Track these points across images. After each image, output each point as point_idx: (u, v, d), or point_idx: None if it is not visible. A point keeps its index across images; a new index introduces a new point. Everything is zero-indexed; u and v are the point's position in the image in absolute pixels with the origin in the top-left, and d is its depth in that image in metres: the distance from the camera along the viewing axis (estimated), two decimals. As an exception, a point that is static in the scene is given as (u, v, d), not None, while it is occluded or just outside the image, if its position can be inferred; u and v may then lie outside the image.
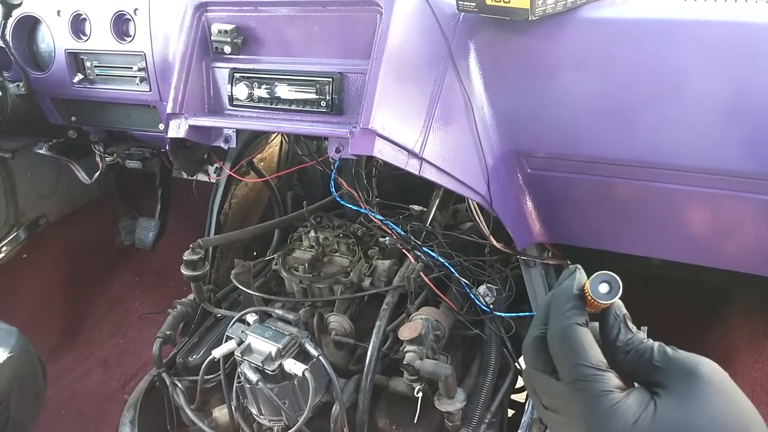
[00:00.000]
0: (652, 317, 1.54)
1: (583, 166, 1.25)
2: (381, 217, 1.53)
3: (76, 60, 1.69)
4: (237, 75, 1.29)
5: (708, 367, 0.51)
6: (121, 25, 1.61)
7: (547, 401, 0.56)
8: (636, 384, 0.53)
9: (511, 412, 1.59)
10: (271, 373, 1.24)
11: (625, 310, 0.57)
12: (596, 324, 0.57)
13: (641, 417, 0.48)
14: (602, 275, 0.55)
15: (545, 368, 0.55)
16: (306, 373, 1.23)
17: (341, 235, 1.63)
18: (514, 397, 1.60)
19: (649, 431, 0.48)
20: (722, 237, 1.27)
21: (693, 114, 1.08)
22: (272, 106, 1.27)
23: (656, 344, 0.54)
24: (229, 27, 1.28)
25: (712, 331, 1.81)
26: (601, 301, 0.54)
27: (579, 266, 0.58)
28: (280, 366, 1.25)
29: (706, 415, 0.48)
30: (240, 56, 1.31)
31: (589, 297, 0.55)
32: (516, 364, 1.50)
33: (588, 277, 0.57)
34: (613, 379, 0.51)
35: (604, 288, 0.55)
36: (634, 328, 0.56)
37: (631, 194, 1.25)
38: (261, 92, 1.27)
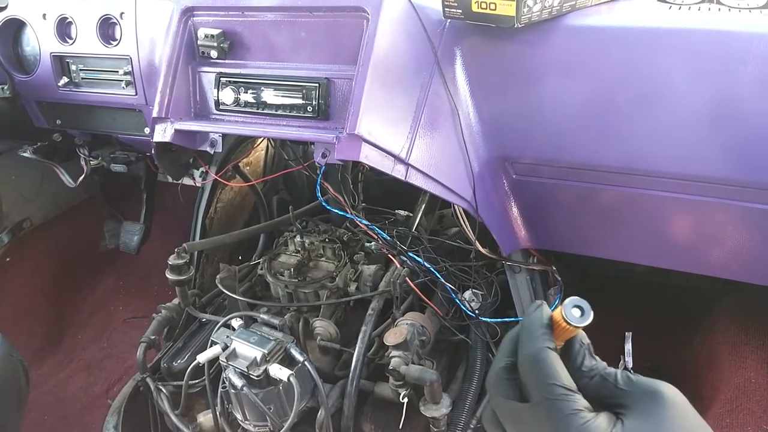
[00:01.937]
0: (636, 323, 1.55)
1: (568, 173, 1.25)
2: (367, 222, 1.54)
3: (61, 63, 1.68)
4: (223, 80, 1.29)
5: (669, 389, 0.53)
6: (107, 28, 1.60)
7: (514, 428, 0.57)
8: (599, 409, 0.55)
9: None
10: (256, 378, 1.24)
11: (588, 340, 0.58)
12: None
13: None
14: (574, 300, 0.57)
15: (513, 394, 0.57)
16: (291, 379, 1.23)
17: (327, 240, 1.64)
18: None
19: None
20: (705, 244, 1.28)
21: (677, 121, 1.09)
22: (258, 111, 1.27)
23: (619, 371, 0.56)
24: (215, 32, 1.28)
25: (695, 336, 1.82)
26: (574, 324, 0.56)
27: (543, 301, 0.60)
28: (265, 371, 1.25)
29: None
30: (226, 61, 1.31)
31: (562, 322, 0.56)
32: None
33: (552, 308, 0.59)
34: (582, 400, 0.53)
35: (576, 312, 0.56)
36: (597, 357, 0.58)
37: (616, 200, 1.26)
38: (247, 97, 1.27)
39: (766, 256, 1.23)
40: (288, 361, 1.30)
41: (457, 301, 1.48)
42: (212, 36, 1.28)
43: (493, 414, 0.59)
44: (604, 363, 0.57)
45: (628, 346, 1.41)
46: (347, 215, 1.56)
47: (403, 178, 1.18)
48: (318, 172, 1.40)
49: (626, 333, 1.47)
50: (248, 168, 1.99)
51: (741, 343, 1.62)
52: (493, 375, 0.59)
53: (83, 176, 2.03)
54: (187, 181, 2.14)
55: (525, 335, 0.57)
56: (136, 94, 1.60)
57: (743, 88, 1.04)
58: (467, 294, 1.52)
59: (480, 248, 1.44)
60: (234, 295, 1.53)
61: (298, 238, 1.61)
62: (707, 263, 1.31)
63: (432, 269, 1.48)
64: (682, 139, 1.11)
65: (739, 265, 1.28)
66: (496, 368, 0.59)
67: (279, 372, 1.24)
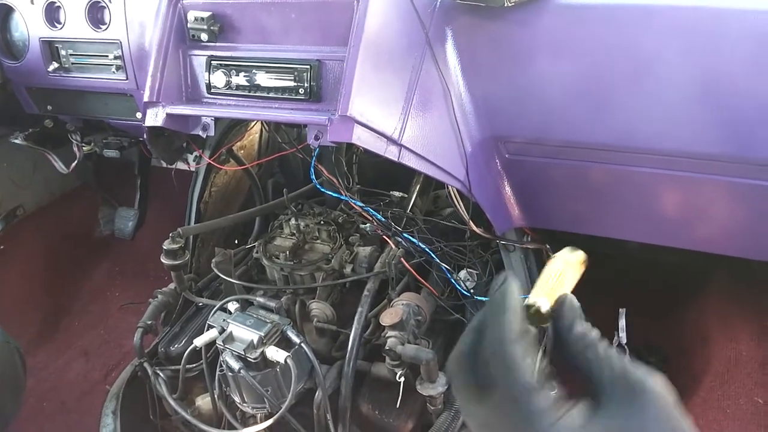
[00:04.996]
0: (629, 299, 1.57)
1: (560, 151, 1.26)
2: (361, 204, 1.54)
3: (50, 48, 1.67)
4: (214, 63, 1.28)
5: (656, 384, 0.50)
6: (96, 12, 1.58)
7: (475, 421, 0.54)
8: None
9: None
10: (253, 360, 1.24)
11: (578, 304, 0.56)
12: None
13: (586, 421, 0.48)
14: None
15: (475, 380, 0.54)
16: (288, 360, 1.24)
17: (322, 222, 1.64)
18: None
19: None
20: (696, 219, 1.29)
21: (666, 98, 1.10)
22: (251, 94, 1.27)
23: (610, 349, 0.52)
24: (205, 14, 1.27)
25: (687, 311, 1.84)
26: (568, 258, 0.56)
27: (510, 276, 0.56)
28: (263, 354, 1.25)
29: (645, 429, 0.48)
30: (217, 44, 1.30)
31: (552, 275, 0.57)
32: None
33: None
34: (546, 399, 0.50)
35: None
36: (587, 324, 0.55)
37: (607, 178, 1.27)
38: (239, 80, 1.26)
39: (754, 230, 1.24)
40: (285, 343, 1.30)
41: (453, 281, 1.49)
42: (202, 19, 1.27)
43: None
44: (597, 331, 0.53)
45: (622, 323, 1.43)
46: (342, 197, 1.56)
47: (396, 159, 1.18)
48: (312, 154, 1.40)
49: (620, 309, 1.48)
50: (242, 151, 1.99)
51: (732, 316, 1.64)
52: (454, 358, 0.55)
53: (76, 162, 2.02)
54: (181, 165, 2.13)
55: (491, 319, 0.53)
56: (126, 79, 1.59)
57: (731, 65, 1.04)
58: (462, 274, 1.53)
59: (474, 228, 1.44)
60: (230, 279, 1.53)
61: (293, 221, 1.62)
62: (698, 238, 1.32)
63: (427, 249, 1.48)
64: (671, 116, 1.12)
65: (728, 239, 1.29)
66: (458, 351, 0.55)
67: (276, 354, 1.25)
